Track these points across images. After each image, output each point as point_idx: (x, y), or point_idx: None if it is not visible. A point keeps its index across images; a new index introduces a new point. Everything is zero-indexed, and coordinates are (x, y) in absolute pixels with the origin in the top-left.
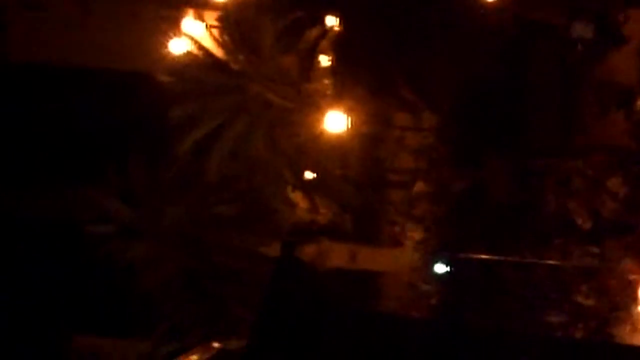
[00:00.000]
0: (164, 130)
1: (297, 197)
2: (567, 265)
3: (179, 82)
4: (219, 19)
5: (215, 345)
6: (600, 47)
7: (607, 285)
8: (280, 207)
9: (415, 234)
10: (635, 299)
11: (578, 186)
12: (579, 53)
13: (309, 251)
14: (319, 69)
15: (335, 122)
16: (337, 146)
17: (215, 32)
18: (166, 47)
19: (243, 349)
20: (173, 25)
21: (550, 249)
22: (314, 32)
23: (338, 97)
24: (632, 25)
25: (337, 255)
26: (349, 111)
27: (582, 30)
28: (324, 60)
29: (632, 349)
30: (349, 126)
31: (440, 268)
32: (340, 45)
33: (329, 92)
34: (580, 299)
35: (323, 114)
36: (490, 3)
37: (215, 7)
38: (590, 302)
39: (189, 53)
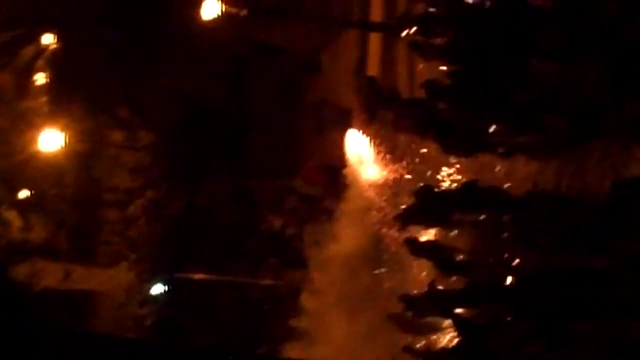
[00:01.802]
0: None
1: (11, 215)
2: (282, 284)
3: None
4: None
5: None
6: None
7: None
8: None
9: (132, 253)
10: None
11: (292, 205)
12: (298, 73)
13: (22, 271)
14: (35, 87)
15: (51, 140)
16: (53, 164)
17: None
18: None
19: None
20: None
21: (266, 269)
22: (30, 50)
23: (54, 115)
24: (348, 46)
25: (52, 274)
26: (64, 129)
27: None
28: (41, 78)
29: None
30: (65, 144)
31: (156, 288)
32: (56, 63)
33: (44, 110)
34: (290, 319)
35: (39, 132)
36: (211, 22)
37: None
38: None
39: None
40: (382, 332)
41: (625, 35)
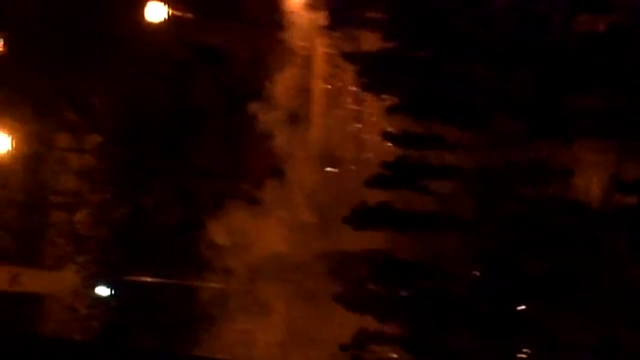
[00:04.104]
0: None
1: None
2: (229, 288)
3: None
4: None
5: None
6: None
7: None
8: None
9: (79, 256)
10: None
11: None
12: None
13: None
14: None
15: None
16: None
17: None
18: None
19: None
20: None
21: (212, 273)
22: None
23: (0, 118)
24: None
25: None
26: (11, 132)
27: None
28: None
29: None
30: (11, 147)
31: (103, 291)
32: (3, 66)
33: None
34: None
35: None
36: (155, 25)
37: None
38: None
39: None
40: (323, 331)
41: (560, 39)
